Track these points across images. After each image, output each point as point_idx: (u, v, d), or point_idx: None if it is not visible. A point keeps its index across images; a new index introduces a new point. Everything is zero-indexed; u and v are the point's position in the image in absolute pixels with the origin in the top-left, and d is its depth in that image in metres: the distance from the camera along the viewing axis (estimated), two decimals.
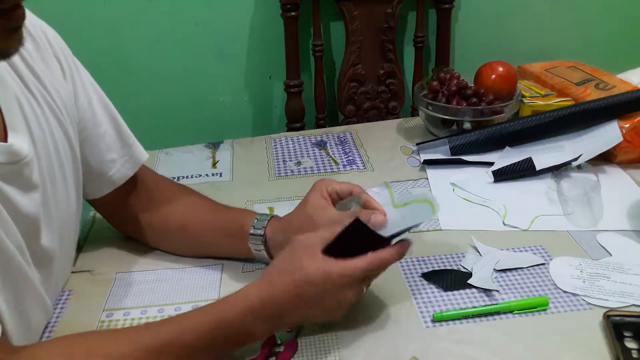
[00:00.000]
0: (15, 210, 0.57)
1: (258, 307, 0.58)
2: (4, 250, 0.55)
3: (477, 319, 0.66)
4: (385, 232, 0.65)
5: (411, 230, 0.65)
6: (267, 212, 0.88)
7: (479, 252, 0.77)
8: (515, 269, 0.74)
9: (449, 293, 0.70)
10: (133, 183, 0.78)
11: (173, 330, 0.57)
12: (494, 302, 0.68)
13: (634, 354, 0.59)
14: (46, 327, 0.67)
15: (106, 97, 0.76)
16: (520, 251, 0.77)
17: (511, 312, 0.67)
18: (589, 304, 0.68)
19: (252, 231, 0.72)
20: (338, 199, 0.71)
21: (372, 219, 0.65)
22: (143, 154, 0.79)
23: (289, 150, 1.10)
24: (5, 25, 0.50)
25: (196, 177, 1.01)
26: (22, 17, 0.51)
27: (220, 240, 0.76)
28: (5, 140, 0.57)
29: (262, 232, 0.72)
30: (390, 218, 0.67)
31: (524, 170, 0.94)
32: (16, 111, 0.59)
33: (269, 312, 0.59)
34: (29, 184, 0.59)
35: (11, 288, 0.56)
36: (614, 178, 0.94)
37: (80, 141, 0.72)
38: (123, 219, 0.81)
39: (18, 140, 0.57)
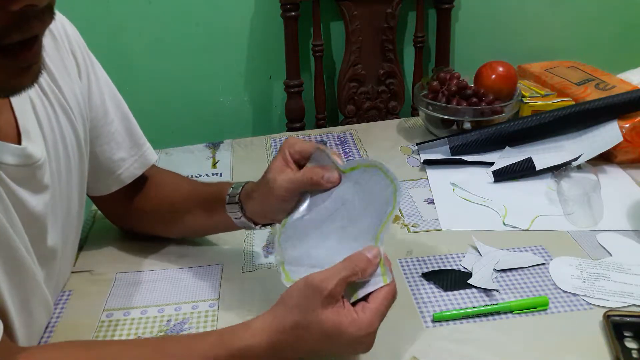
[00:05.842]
0: (26, 211, 0.57)
1: (264, 355, 0.54)
2: (13, 250, 0.55)
3: (477, 319, 0.66)
4: (336, 201, 0.60)
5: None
6: None
7: (479, 252, 0.77)
8: (515, 269, 0.74)
9: (449, 293, 0.70)
10: (141, 181, 0.78)
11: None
12: (494, 302, 0.68)
13: (634, 354, 0.59)
14: (46, 327, 0.67)
15: (119, 94, 0.76)
16: (520, 251, 0.77)
17: (511, 312, 0.67)
18: (589, 304, 0.68)
19: (227, 200, 0.70)
20: (303, 160, 0.64)
21: (326, 175, 0.61)
22: (153, 155, 0.79)
23: None
24: (14, 65, 0.43)
25: (196, 177, 1.01)
26: (36, 55, 0.44)
27: (204, 214, 0.74)
28: (19, 142, 0.56)
29: (237, 199, 0.69)
30: (344, 184, 0.62)
31: (524, 170, 0.94)
32: (29, 113, 0.59)
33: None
34: (40, 185, 0.59)
35: (19, 287, 0.56)
36: (614, 178, 0.94)
37: (91, 138, 0.72)
38: (126, 215, 0.81)
39: (32, 143, 0.57)
